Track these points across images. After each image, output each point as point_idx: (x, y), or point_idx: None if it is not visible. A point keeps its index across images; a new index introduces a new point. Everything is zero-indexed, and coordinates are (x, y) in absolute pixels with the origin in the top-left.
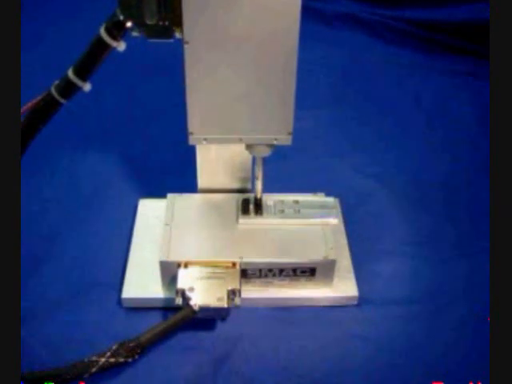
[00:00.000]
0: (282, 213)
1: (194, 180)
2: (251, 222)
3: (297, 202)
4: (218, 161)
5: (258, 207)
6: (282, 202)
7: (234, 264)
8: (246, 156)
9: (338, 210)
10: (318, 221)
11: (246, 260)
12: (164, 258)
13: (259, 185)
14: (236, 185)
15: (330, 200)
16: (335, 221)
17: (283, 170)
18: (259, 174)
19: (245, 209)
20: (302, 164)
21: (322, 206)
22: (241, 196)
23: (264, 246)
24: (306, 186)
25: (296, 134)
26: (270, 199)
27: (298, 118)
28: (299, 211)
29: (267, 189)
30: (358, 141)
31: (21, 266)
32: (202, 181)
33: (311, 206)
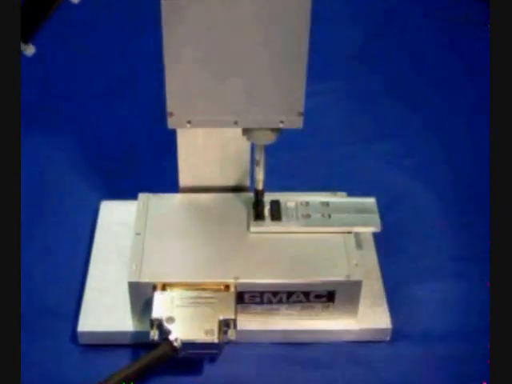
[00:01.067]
0: (307, 218)
1: (174, 176)
2: (265, 230)
3: (326, 204)
4: (205, 150)
5: (273, 212)
6: (307, 204)
7: (227, 286)
8: (244, 144)
9: (378, 214)
10: (355, 229)
11: (242, 281)
12: (134, 279)
13: (260, 182)
14: (229, 181)
15: (369, 202)
16: (376, 229)
17: (291, 161)
18: (260, 166)
19: (258, 212)
20: (316, 154)
21: (359, 210)
22: (236, 196)
23: (268, 263)
24: (321, 183)
25: (308, 114)
26: (290, 200)
27: (310, 93)
28: (330, 216)
29: (270, 187)
30: (389, 123)
31: None
32: (185, 176)
33: (345, 209)
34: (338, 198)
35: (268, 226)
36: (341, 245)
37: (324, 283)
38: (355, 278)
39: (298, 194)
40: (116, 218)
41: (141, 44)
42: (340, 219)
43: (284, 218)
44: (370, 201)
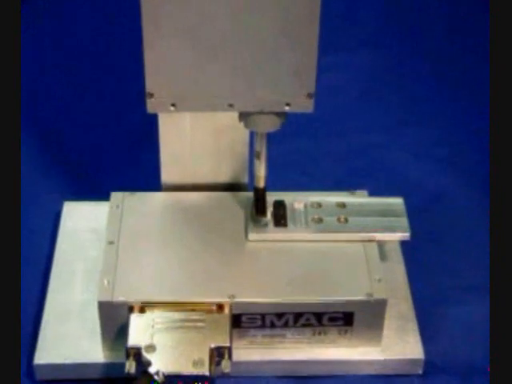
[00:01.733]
0: (319, 223)
1: (156, 171)
2: (267, 238)
3: (342, 205)
4: (194, 140)
5: (278, 214)
6: (319, 205)
7: (220, 306)
8: (241, 132)
9: (406, 218)
10: (378, 236)
11: (239, 300)
12: (106, 298)
13: (261, 179)
14: (224, 178)
15: (396, 203)
16: (404, 235)
17: (299, 153)
18: (261, 160)
19: (258, 216)
20: (330, 144)
21: (383, 213)
22: (231, 196)
23: (271, 278)
24: (336, 179)
25: (320, 95)
26: (297, 201)
27: (322, 68)
28: (346, 220)
29: (273, 184)
30: (417, 105)
31: None
32: (169, 172)
33: (366, 211)
34: (357, 199)
35: (270, 232)
36: (361, 255)
37: (340, 303)
38: (378, 296)
39: (307, 194)
40: (82, 223)
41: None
42: (359, 224)
43: (290, 223)
44: (397, 201)
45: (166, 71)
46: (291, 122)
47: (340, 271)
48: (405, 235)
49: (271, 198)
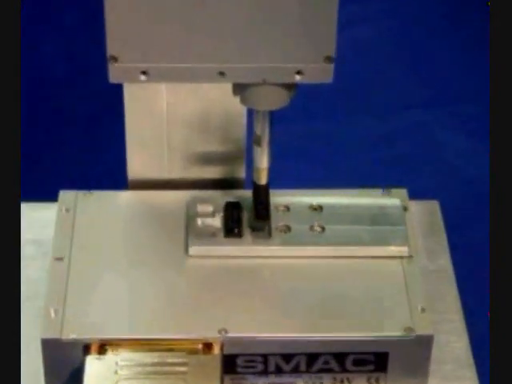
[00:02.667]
0: (285, 233)
1: (120, 164)
2: (249, 252)
3: (318, 208)
4: (171, 122)
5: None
6: (287, 208)
7: (207, 345)
8: (236, 111)
9: (442, 226)
10: (363, 251)
11: (233, 335)
12: (52, 334)
13: (262, 173)
14: (212, 172)
15: (393, 205)
16: (401, 251)
17: (313, 138)
18: (263, 147)
19: (259, 222)
20: (352, 126)
21: (375, 219)
22: (222, 196)
23: (274, 306)
24: (356, 173)
25: (341, 59)
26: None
27: (343, 25)
28: (323, 229)
29: (277, 182)
30: (461, 74)
31: None
32: (137, 165)
33: (351, 217)
34: (339, 199)
35: (217, 245)
36: (397, 275)
37: (369, 340)
38: (422, 331)
39: (315, 193)
40: (24, 233)
41: None
42: (339, 234)
43: (247, 232)
44: (393, 203)
45: (134, 25)
46: (302, 98)
47: (368, 297)
48: (401, 250)
49: (273, 198)
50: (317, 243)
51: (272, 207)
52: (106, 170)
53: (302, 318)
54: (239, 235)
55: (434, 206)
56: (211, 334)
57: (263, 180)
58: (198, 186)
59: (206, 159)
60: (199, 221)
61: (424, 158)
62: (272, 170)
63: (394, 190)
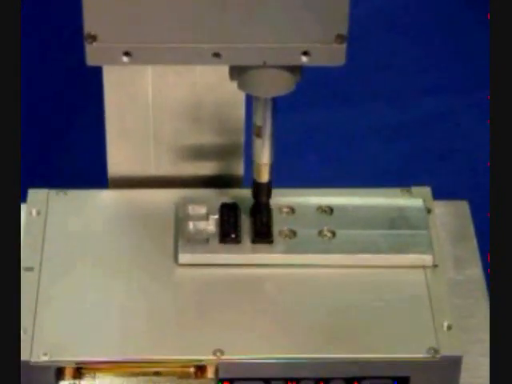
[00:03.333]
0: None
1: (100, 160)
2: (248, 260)
3: (328, 210)
4: (158, 111)
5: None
6: (292, 210)
7: (201, 368)
8: (233, 97)
9: (473, 230)
10: (380, 259)
11: (230, 357)
12: (22, 356)
13: (263, 170)
14: (205, 168)
15: (415, 206)
16: (425, 260)
17: (323, 129)
18: (264, 138)
19: (260, 226)
20: (361, 114)
21: (393, 223)
22: (216, 195)
23: (278, 323)
24: (371, 169)
25: (355, 37)
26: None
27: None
28: (333, 234)
29: (279, 179)
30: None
31: None
32: (118, 160)
33: (365, 220)
34: (352, 200)
35: (211, 252)
36: (420, 288)
37: (388, 363)
38: (448, 352)
39: (324, 192)
40: None
41: None
42: (351, 240)
43: (246, 237)
44: (416, 204)
45: (116, 2)
46: (309, 82)
47: (386, 312)
48: (424, 258)
49: (276, 198)
50: (326, 250)
51: (275, 209)
52: (83, 165)
53: (308, 336)
54: (237, 241)
55: (462, 206)
56: (204, 356)
57: (264, 177)
58: (190, 185)
59: (199, 153)
60: (191, 224)
61: (450, 150)
62: (274, 165)
63: (415, 189)
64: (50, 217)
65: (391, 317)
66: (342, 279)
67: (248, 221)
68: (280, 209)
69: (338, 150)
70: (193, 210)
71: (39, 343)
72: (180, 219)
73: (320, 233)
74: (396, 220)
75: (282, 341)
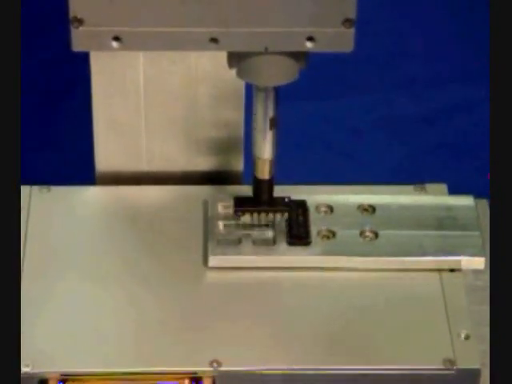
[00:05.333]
0: (328, 239)
1: (87, 155)
2: (282, 263)
3: (370, 209)
4: (150, 101)
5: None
6: (330, 208)
7: (196, 380)
8: (231, 86)
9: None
10: (429, 262)
11: (227, 369)
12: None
13: (265, 165)
14: (201, 163)
15: (465, 205)
16: (478, 262)
17: (327, 123)
18: (266, 131)
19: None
20: (376, 105)
21: (442, 223)
22: (213, 193)
23: (278, 332)
24: (384, 163)
25: (364, 21)
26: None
27: None
28: (376, 235)
29: (284, 175)
30: None
31: None
32: (106, 154)
33: (411, 221)
34: (395, 199)
35: (244, 254)
36: (435, 294)
37: (400, 374)
38: (465, 363)
39: (334, 189)
40: None
41: None
42: (397, 242)
43: (280, 239)
44: (465, 202)
45: None
46: (315, 70)
47: (398, 321)
48: (476, 261)
49: (313, 196)
50: (368, 252)
51: (312, 208)
52: (68, 159)
53: (316, 345)
54: (306, 242)
55: (481, 205)
56: (201, 367)
57: (266, 174)
58: (184, 181)
59: (194, 148)
60: (220, 224)
61: (468, 145)
62: (277, 161)
63: (430, 186)
64: (32, 215)
65: (406, 324)
66: (379, 283)
67: (283, 220)
68: (317, 208)
69: (348, 143)
70: (223, 208)
71: (21, 353)
72: (209, 218)
73: (361, 233)
74: (444, 220)
75: (282, 351)
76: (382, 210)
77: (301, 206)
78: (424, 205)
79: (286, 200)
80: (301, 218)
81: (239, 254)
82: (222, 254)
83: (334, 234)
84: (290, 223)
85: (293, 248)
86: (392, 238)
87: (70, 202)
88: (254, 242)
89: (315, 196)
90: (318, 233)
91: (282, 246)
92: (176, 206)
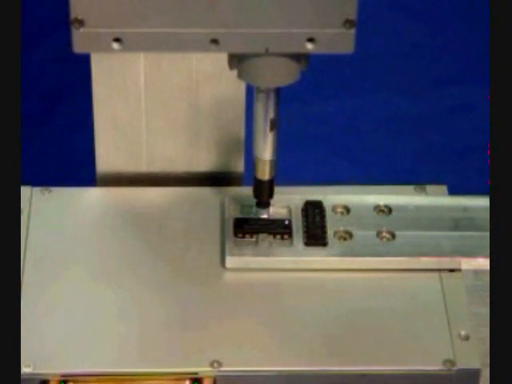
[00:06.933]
0: (345, 240)
1: (88, 156)
2: (299, 264)
3: (387, 209)
4: (151, 102)
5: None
6: (347, 209)
7: (197, 381)
8: (231, 88)
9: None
10: (445, 262)
11: (228, 369)
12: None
13: (266, 164)
14: (201, 164)
15: (479, 206)
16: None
17: (330, 122)
18: (266, 132)
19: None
20: (373, 106)
21: (458, 224)
22: (214, 194)
23: (280, 333)
24: (383, 164)
25: (366, 21)
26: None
27: None
28: (393, 236)
29: (280, 177)
30: None
31: None
32: (107, 155)
33: (427, 222)
34: (412, 199)
35: (260, 256)
36: (435, 295)
37: (400, 375)
38: (465, 364)
39: (339, 190)
40: None
41: None
42: (414, 243)
43: (296, 239)
44: (480, 203)
45: None
46: (315, 72)
47: (398, 322)
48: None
49: (329, 197)
50: (386, 253)
51: (328, 209)
52: (69, 161)
53: (317, 347)
54: (323, 243)
55: None
56: (201, 368)
57: (266, 175)
58: (185, 182)
59: (195, 149)
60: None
61: (467, 146)
62: (279, 160)
63: (431, 187)
64: (33, 217)
65: (407, 325)
66: (392, 284)
67: (300, 221)
68: (334, 208)
69: (347, 144)
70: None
71: (22, 354)
72: (226, 219)
73: (378, 234)
74: (461, 221)
75: (284, 352)
76: (398, 211)
77: (317, 207)
78: (440, 205)
79: (286, 222)
80: (317, 219)
81: (256, 255)
82: (240, 254)
83: (350, 235)
84: (306, 224)
85: (310, 249)
86: (408, 238)
87: (70, 204)
88: (271, 243)
89: (331, 196)
90: (335, 234)
91: (299, 246)
92: (177, 207)
